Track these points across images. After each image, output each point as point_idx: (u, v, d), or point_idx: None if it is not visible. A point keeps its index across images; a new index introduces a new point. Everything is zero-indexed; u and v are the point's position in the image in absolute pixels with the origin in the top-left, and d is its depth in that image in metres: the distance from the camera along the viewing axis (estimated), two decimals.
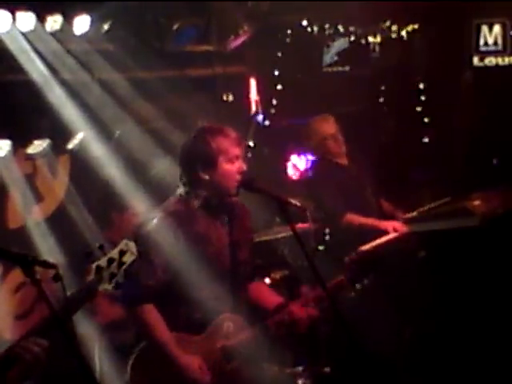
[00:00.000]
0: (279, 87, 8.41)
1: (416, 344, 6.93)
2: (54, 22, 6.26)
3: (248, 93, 8.27)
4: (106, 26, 6.67)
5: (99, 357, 6.07)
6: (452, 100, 8.83)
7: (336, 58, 8.74)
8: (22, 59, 6.27)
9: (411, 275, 6.84)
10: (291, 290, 5.31)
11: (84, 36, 6.50)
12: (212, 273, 4.53)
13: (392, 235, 6.53)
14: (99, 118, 6.69)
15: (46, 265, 3.26)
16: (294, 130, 8.12)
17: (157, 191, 5.91)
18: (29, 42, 6.24)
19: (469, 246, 7.23)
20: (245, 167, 4.59)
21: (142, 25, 6.99)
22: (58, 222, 6.71)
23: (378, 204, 6.95)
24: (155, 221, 4.51)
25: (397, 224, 6.66)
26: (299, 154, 8.48)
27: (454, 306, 7.20)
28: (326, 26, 8.51)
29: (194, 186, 4.61)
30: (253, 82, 8.27)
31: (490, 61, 8.46)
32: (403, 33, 8.82)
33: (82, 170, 6.82)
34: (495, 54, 8.43)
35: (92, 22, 6.46)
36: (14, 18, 6.02)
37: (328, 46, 8.69)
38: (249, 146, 7.84)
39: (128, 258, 3.51)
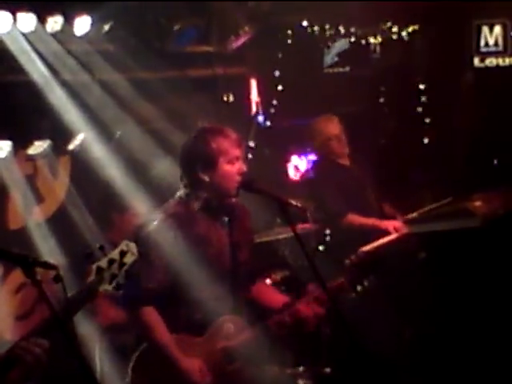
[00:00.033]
0: (280, 88, 8.41)
1: (416, 345, 6.93)
2: (55, 22, 6.26)
3: (248, 93, 8.27)
4: (106, 27, 6.66)
5: (100, 357, 6.07)
6: (452, 101, 8.83)
7: (336, 59, 8.74)
8: (23, 60, 6.27)
9: (412, 276, 6.84)
10: (297, 288, 5.29)
11: (85, 37, 6.50)
12: (212, 274, 4.53)
13: (392, 236, 6.54)
14: (100, 118, 6.69)
15: (47, 266, 3.26)
16: (295, 131, 8.13)
17: (157, 192, 5.91)
18: (29, 42, 6.24)
19: (469, 247, 7.23)
20: (245, 168, 4.59)
21: (142, 25, 6.98)
22: (59, 222, 6.71)
23: (379, 205, 6.95)
24: (155, 222, 4.51)
25: (397, 223, 6.66)
26: (300, 155, 8.48)
27: (454, 307, 7.20)
28: (327, 26, 8.51)
29: (195, 188, 4.61)
30: (253, 83, 8.27)
31: (491, 61, 8.46)
32: (404, 33, 8.82)
33: (82, 170, 6.82)
34: (496, 54, 8.43)
35: (92, 22, 6.45)
36: (14, 19, 6.01)
37: (328, 47, 8.69)
38: (249, 147, 7.84)
39: (129, 259, 3.51)
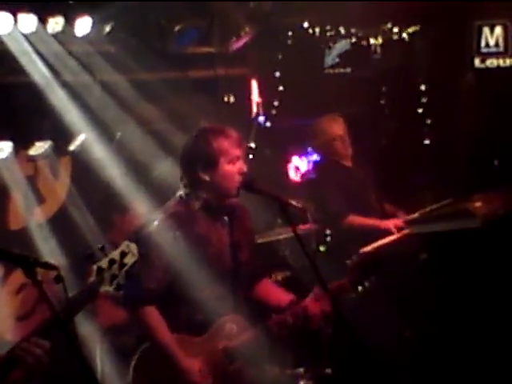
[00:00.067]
0: (281, 89, 8.41)
1: (417, 345, 6.92)
2: (56, 23, 6.26)
3: (249, 94, 8.27)
4: (107, 28, 6.67)
5: (101, 358, 6.07)
6: (453, 101, 8.82)
7: (337, 60, 8.74)
8: (24, 61, 6.27)
9: (413, 276, 6.84)
10: (300, 289, 5.28)
11: (85, 38, 6.50)
12: (213, 274, 4.54)
13: (393, 236, 6.54)
14: (101, 119, 6.69)
15: (48, 266, 3.26)
16: (296, 132, 8.13)
17: (158, 193, 5.91)
18: (30, 43, 6.24)
19: (470, 248, 7.23)
20: (245, 168, 4.60)
21: (143, 26, 6.98)
22: (60, 223, 6.71)
23: (380, 206, 6.95)
24: (156, 222, 4.51)
25: (397, 222, 6.66)
26: (300, 156, 8.49)
27: (455, 308, 7.19)
28: (328, 27, 8.51)
29: (195, 187, 4.61)
30: (254, 84, 8.27)
31: (492, 62, 8.45)
32: (404, 34, 8.82)
33: (83, 171, 6.83)
34: (496, 55, 8.41)
35: (93, 23, 6.45)
36: (15, 20, 6.01)
37: (329, 48, 8.69)
38: (250, 148, 7.84)
39: (129, 260, 3.51)
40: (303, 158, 8.48)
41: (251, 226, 4.88)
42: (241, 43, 7.84)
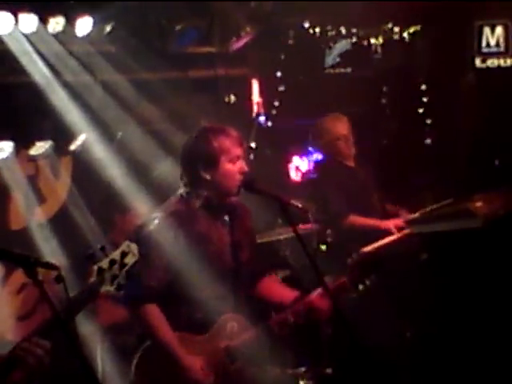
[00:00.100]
0: (281, 89, 8.40)
1: (418, 345, 6.92)
2: (57, 23, 6.27)
3: (250, 94, 8.27)
4: (108, 28, 6.67)
5: (101, 358, 6.07)
6: (454, 101, 8.82)
7: (338, 60, 8.73)
8: (25, 61, 6.28)
9: (413, 276, 6.84)
10: (303, 286, 5.28)
11: (86, 37, 6.51)
12: (213, 272, 4.54)
13: (394, 236, 6.54)
14: (101, 119, 6.70)
15: (49, 266, 3.26)
16: (296, 132, 8.13)
17: (159, 193, 5.91)
18: (31, 43, 6.25)
19: (471, 248, 7.23)
20: (246, 167, 4.60)
21: (144, 26, 6.99)
22: (61, 223, 6.72)
23: (382, 207, 6.94)
24: (156, 221, 4.51)
25: (398, 222, 6.66)
26: (301, 156, 8.48)
27: (455, 308, 7.19)
28: (328, 27, 8.51)
29: (195, 186, 4.61)
30: (255, 84, 8.27)
31: (492, 62, 8.44)
32: (405, 34, 8.81)
33: (84, 171, 6.83)
34: (497, 55, 8.41)
35: (94, 23, 6.46)
36: (16, 20, 6.03)
37: (330, 48, 8.68)
38: (251, 148, 7.84)
39: (130, 260, 3.51)
40: (304, 158, 8.48)
41: (252, 225, 4.88)
42: (241, 43, 7.84)
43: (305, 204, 4.88)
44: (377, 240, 6.40)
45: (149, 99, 6.94)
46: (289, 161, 8.53)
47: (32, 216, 6.68)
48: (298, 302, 4.67)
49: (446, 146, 8.88)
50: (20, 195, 6.59)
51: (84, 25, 6.42)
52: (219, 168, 4.57)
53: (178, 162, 4.74)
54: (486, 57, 8.41)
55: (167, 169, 6.42)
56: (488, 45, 8.38)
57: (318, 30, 8.44)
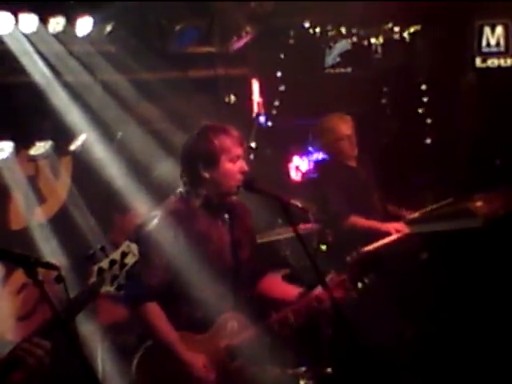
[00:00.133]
0: (281, 88, 8.40)
1: (418, 345, 6.92)
2: (57, 23, 6.27)
3: (250, 94, 8.27)
4: (108, 28, 6.67)
5: (102, 357, 6.07)
6: (454, 101, 8.82)
7: (338, 60, 8.73)
8: (25, 61, 6.28)
9: (413, 276, 6.84)
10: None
11: (86, 37, 6.51)
12: (213, 271, 4.54)
13: (394, 236, 6.54)
14: (101, 119, 6.70)
15: (49, 266, 3.26)
16: (297, 132, 8.13)
17: (159, 193, 5.91)
18: (31, 43, 6.25)
19: (471, 247, 7.23)
20: (246, 167, 4.60)
21: (144, 26, 6.99)
22: (61, 223, 6.72)
23: (383, 208, 6.93)
24: (156, 220, 4.51)
25: (399, 225, 6.65)
26: (301, 156, 8.48)
27: (456, 307, 7.19)
28: (329, 27, 8.50)
29: (195, 185, 4.61)
30: (255, 84, 8.27)
31: (493, 62, 8.44)
32: (405, 34, 8.81)
33: (84, 171, 6.83)
34: (497, 55, 8.41)
35: (94, 23, 6.46)
36: (16, 20, 6.02)
37: (330, 48, 8.68)
38: (251, 148, 7.84)
39: (130, 260, 3.51)
40: (304, 158, 8.47)
41: (252, 224, 4.88)
42: (241, 43, 7.84)
43: (305, 204, 4.88)
44: (377, 240, 6.40)
45: (149, 99, 6.94)
46: (289, 161, 8.52)
47: (32, 216, 6.67)
48: (304, 298, 4.67)
49: (446, 145, 8.87)
50: (20, 195, 6.59)
51: (84, 25, 6.42)
52: (219, 167, 4.57)
53: (178, 161, 4.74)
54: (486, 57, 8.41)
55: (167, 169, 6.41)
56: (488, 44, 8.38)
57: (318, 29, 8.43)
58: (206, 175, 4.57)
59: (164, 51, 7.07)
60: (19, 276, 6.01)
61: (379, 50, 8.83)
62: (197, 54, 7.62)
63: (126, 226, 6.85)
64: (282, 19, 8.10)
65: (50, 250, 6.41)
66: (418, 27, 8.81)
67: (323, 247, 6.82)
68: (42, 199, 6.81)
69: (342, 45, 8.68)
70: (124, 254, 3.50)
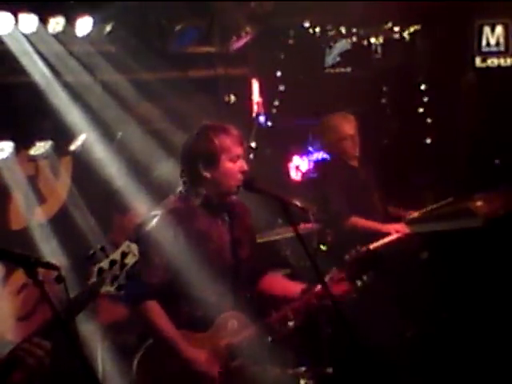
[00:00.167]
0: (281, 88, 8.40)
1: (418, 344, 6.93)
2: (57, 23, 6.27)
3: (250, 94, 8.27)
4: (108, 28, 6.67)
5: (102, 357, 6.07)
6: (454, 101, 8.82)
7: (338, 59, 8.73)
8: (25, 61, 6.28)
9: (414, 276, 6.84)
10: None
11: (86, 37, 6.51)
12: (213, 271, 4.54)
13: (393, 236, 6.54)
14: (101, 119, 6.70)
15: (49, 266, 3.26)
16: (296, 132, 8.13)
17: (159, 192, 5.91)
18: (31, 43, 6.25)
19: (471, 247, 7.24)
20: (246, 166, 4.60)
21: (144, 26, 6.99)
22: (61, 223, 6.72)
23: (384, 208, 6.93)
24: (155, 220, 4.51)
25: (399, 226, 6.65)
26: (301, 155, 8.49)
27: (456, 307, 7.20)
28: (328, 27, 8.51)
29: (195, 184, 4.61)
30: (255, 84, 8.27)
31: (492, 62, 8.45)
32: (405, 34, 8.81)
33: (84, 171, 6.83)
34: (497, 54, 8.42)
35: (94, 23, 6.46)
36: (16, 20, 6.02)
37: (330, 48, 8.68)
38: (251, 148, 7.84)
39: (130, 260, 3.51)
40: (304, 158, 8.48)
41: (251, 223, 4.88)
42: (241, 43, 7.84)
43: (305, 204, 4.88)
44: (377, 240, 6.40)
45: (149, 99, 6.94)
46: (289, 160, 8.53)
47: (32, 216, 6.67)
48: (303, 296, 4.67)
49: (446, 145, 8.88)
50: (20, 195, 6.59)
51: (84, 25, 6.42)
52: (219, 167, 4.57)
53: (178, 161, 4.74)
54: (486, 56, 8.42)
55: (167, 169, 6.42)
56: (488, 44, 8.38)
57: (318, 29, 8.44)
58: (206, 175, 4.57)
59: (164, 51, 7.07)
60: (19, 276, 6.02)
61: (379, 49, 8.83)
62: (197, 54, 7.62)
63: (125, 225, 6.85)
64: (281, 19, 8.10)
65: (50, 249, 6.41)
66: (417, 27, 8.82)
67: (323, 247, 6.82)
68: (42, 199, 6.82)
69: (342, 45, 8.69)
70: (124, 254, 3.50)
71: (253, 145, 7.95)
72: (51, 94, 6.42)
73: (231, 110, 7.90)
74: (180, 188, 4.67)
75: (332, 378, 5.55)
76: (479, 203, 6.94)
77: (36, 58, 6.31)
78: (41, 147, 6.73)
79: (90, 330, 6.12)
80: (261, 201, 4.81)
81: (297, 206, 4.45)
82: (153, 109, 7.01)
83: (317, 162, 8.34)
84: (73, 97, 6.52)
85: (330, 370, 5.58)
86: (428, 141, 8.97)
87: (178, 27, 7.08)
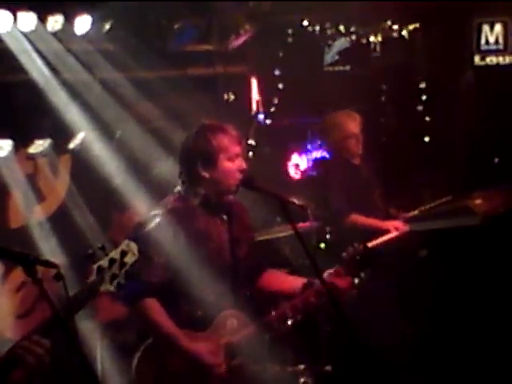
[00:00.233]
0: (280, 86, 8.40)
1: (417, 343, 6.93)
2: (55, 21, 6.27)
3: (249, 92, 8.27)
4: (107, 26, 6.67)
5: (101, 356, 6.07)
6: (453, 99, 8.82)
7: (337, 58, 8.73)
8: (23, 59, 6.28)
9: (413, 274, 6.84)
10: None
11: (85, 36, 6.51)
12: (213, 270, 4.54)
13: (393, 234, 6.54)
14: (100, 117, 6.70)
15: (48, 264, 3.26)
16: (295, 130, 8.13)
17: (158, 191, 5.91)
18: (30, 42, 6.25)
19: (470, 245, 7.24)
20: (245, 165, 4.60)
21: (143, 24, 6.99)
22: (60, 221, 6.72)
23: (385, 206, 6.93)
24: (155, 219, 4.51)
25: (398, 223, 6.65)
26: (300, 153, 8.49)
27: (455, 305, 7.20)
28: (327, 25, 8.50)
29: (194, 184, 4.62)
30: (254, 82, 8.27)
31: (491, 60, 8.46)
32: (404, 32, 8.81)
33: (83, 169, 6.83)
34: (496, 53, 8.42)
35: (93, 21, 6.46)
36: (15, 18, 6.02)
37: (329, 46, 8.68)
38: (250, 146, 7.84)
39: (129, 259, 3.51)
40: (303, 156, 8.48)
41: (250, 223, 4.89)
42: (240, 41, 7.84)
43: (304, 201, 4.88)
44: (376, 238, 6.40)
45: (148, 97, 6.94)
46: (288, 158, 8.53)
47: (31, 214, 6.68)
48: (302, 293, 4.67)
49: (445, 143, 8.88)
50: (19, 193, 6.59)
51: (83, 23, 6.42)
52: (218, 166, 4.57)
53: (177, 160, 4.74)
54: (484, 54, 8.43)
55: (166, 167, 6.42)
56: (487, 42, 8.39)
57: (317, 28, 8.44)
58: (205, 175, 4.57)
59: (163, 49, 7.07)
60: (18, 274, 6.01)
61: (378, 48, 8.83)
62: (196, 53, 7.62)
63: (124, 223, 6.85)
64: (280, 17, 8.11)
65: (49, 248, 6.41)
66: (416, 25, 8.81)
67: (322, 245, 6.82)
68: (41, 197, 6.82)
69: (341, 43, 8.69)
70: (123, 253, 3.50)
71: (252, 143, 7.95)
72: (50, 92, 6.42)
73: (230, 108, 7.90)
74: (178, 188, 4.67)
75: (331, 375, 5.56)
76: (478, 201, 6.95)
77: (35, 56, 6.31)
78: (40, 145, 6.73)
79: (89, 328, 6.12)
80: (259, 199, 4.81)
81: (295, 203, 4.45)
82: (152, 107, 7.01)
83: (316, 160, 8.35)
84: (72, 95, 6.52)
85: (329, 367, 5.59)
86: (427, 139, 8.97)
87: (177, 25, 7.08)
